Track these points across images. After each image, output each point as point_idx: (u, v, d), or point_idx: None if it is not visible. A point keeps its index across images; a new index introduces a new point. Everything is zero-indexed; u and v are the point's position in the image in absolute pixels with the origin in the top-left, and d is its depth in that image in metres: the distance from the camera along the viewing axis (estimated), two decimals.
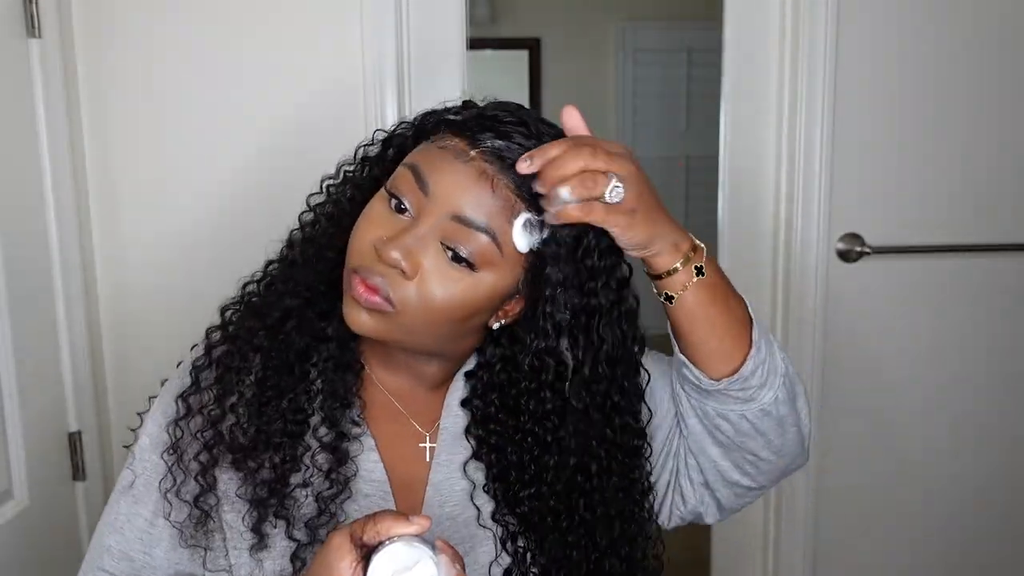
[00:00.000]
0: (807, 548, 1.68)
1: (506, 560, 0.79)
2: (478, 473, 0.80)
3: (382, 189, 0.73)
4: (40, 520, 1.33)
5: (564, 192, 0.65)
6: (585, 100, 4.47)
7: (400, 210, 0.71)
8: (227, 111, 1.48)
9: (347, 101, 1.48)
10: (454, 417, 0.82)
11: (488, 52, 4.41)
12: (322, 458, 0.76)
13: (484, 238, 0.68)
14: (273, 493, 0.75)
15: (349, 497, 0.77)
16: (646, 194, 0.68)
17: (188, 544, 0.77)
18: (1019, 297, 1.67)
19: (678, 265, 0.71)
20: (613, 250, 0.72)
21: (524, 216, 0.68)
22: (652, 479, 0.84)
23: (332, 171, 0.83)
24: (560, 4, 4.42)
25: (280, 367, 0.76)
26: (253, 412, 0.75)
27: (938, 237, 1.63)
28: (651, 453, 0.82)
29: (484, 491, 0.79)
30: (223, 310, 0.82)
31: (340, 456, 0.76)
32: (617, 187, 0.66)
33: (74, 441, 1.43)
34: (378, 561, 0.60)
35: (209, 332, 0.82)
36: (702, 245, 0.74)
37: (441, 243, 0.69)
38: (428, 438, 0.82)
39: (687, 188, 4.54)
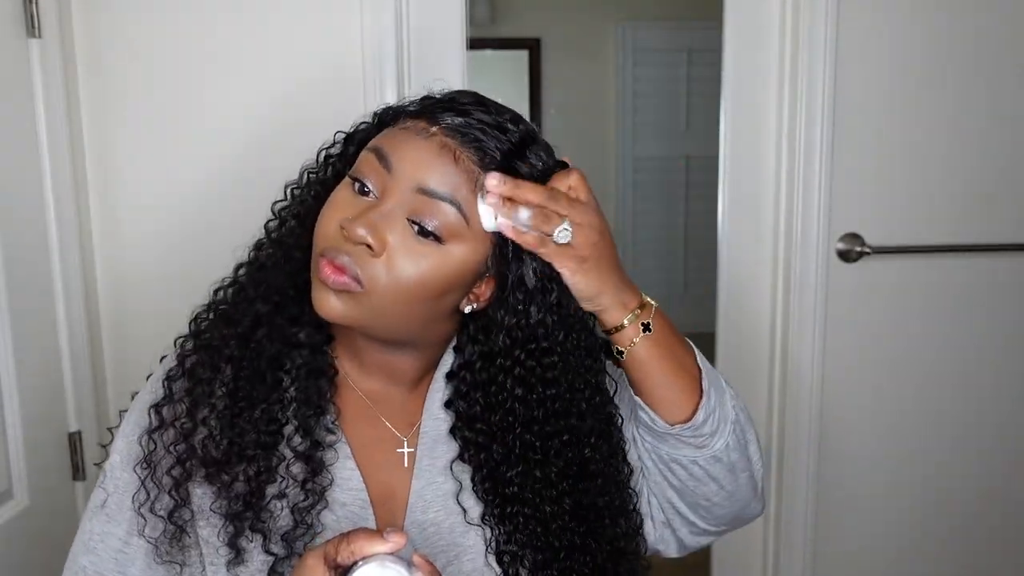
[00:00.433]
0: (807, 548, 1.68)
1: (492, 568, 0.78)
2: (464, 475, 0.79)
3: (346, 177, 0.73)
4: (40, 520, 1.33)
5: (523, 214, 0.68)
6: (585, 100, 4.48)
7: (364, 193, 0.71)
8: (227, 111, 1.48)
9: (347, 101, 1.48)
10: (434, 420, 0.80)
11: (488, 52, 4.41)
12: (297, 468, 0.75)
13: (450, 209, 0.68)
14: (248, 506, 0.73)
15: (326, 507, 0.75)
16: (601, 247, 0.72)
17: (163, 560, 0.76)
18: (1019, 297, 1.67)
19: (625, 322, 0.74)
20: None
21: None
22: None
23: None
24: (560, 4, 4.42)
25: (252, 376, 0.75)
26: (225, 424, 0.74)
27: (938, 237, 1.63)
28: (626, 454, 0.82)
29: (473, 491, 0.78)
30: (194, 319, 0.81)
31: (315, 466, 0.75)
32: (566, 230, 0.69)
33: (74, 441, 1.43)
34: None
35: (181, 341, 0.81)
36: (652, 303, 0.77)
37: (407, 219, 0.69)
38: (406, 443, 0.81)
39: (687, 188, 4.54)
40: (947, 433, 1.70)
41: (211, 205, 1.49)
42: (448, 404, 0.80)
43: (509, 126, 0.72)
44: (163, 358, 0.83)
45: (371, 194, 0.71)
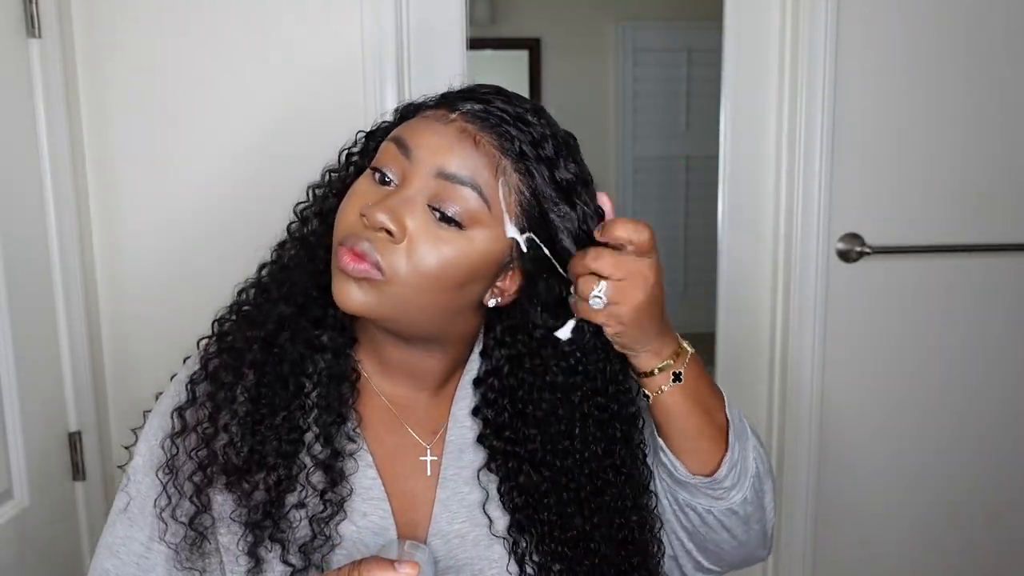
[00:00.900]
0: (807, 548, 1.68)
1: None
2: (490, 485, 0.78)
3: (366, 169, 0.72)
4: (40, 520, 1.33)
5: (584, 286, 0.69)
6: (585, 100, 4.48)
7: (384, 182, 0.70)
8: (227, 111, 1.48)
9: (347, 101, 1.48)
10: (460, 428, 0.79)
11: (488, 52, 4.41)
12: (317, 477, 0.74)
13: (471, 193, 0.67)
14: (268, 515, 0.72)
15: (345, 518, 0.74)
16: (644, 308, 0.69)
17: (184, 567, 0.75)
18: (1019, 297, 1.67)
19: (655, 369, 0.73)
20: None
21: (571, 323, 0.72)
22: None
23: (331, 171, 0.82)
24: (560, 4, 4.42)
25: (274, 382, 0.74)
26: (247, 431, 0.73)
27: (938, 237, 1.63)
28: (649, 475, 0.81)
29: (499, 502, 0.77)
30: (218, 320, 0.80)
31: (334, 476, 0.74)
32: (598, 297, 0.68)
33: (74, 441, 1.43)
34: None
35: (204, 343, 0.80)
36: (689, 350, 0.75)
37: (428, 205, 0.68)
38: (429, 451, 0.79)
39: (687, 188, 4.54)
40: (947, 432, 1.70)
41: (211, 204, 1.49)
42: (475, 412, 0.78)
43: (530, 118, 0.71)
44: (187, 359, 0.82)
45: (391, 183, 0.70)
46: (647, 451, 0.81)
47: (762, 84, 1.60)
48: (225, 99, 1.48)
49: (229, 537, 0.74)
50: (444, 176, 0.68)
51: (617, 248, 0.69)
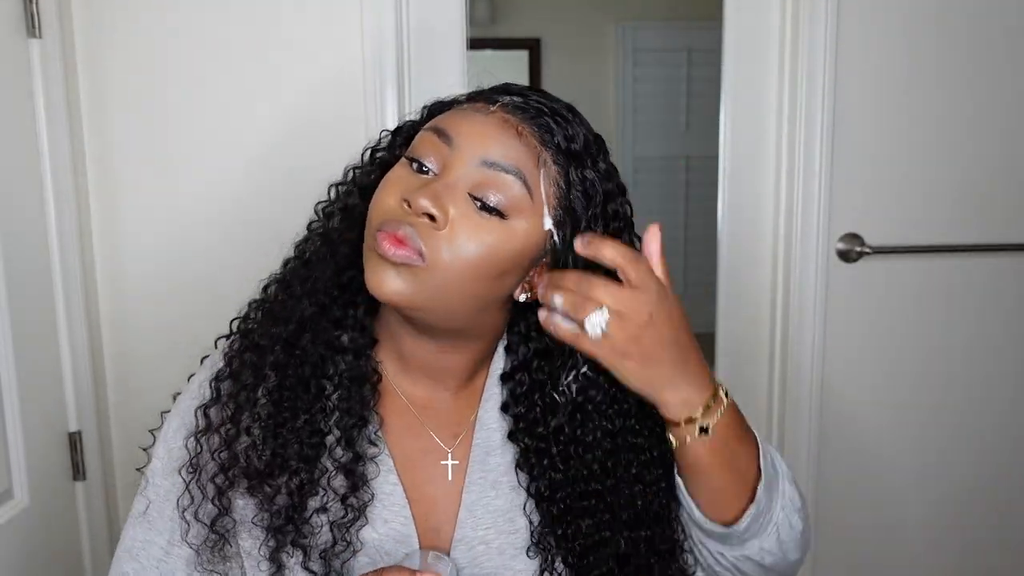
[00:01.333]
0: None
1: None
2: (516, 491, 0.76)
3: (401, 159, 0.71)
4: (40, 520, 1.33)
5: (557, 299, 0.66)
6: (585, 100, 4.42)
7: (422, 171, 0.69)
8: (227, 111, 1.48)
9: (347, 101, 1.48)
10: (486, 431, 0.78)
11: (488, 52, 4.41)
12: (338, 482, 0.73)
13: (515, 182, 0.67)
14: (289, 520, 0.71)
15: (366, 524, 0.73)
16: (649, 340, 0.65)
17: (205, 569, 0.74)
18: (1019, 297, 1.67)
19: (681, 421, 0.68)
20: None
21: None
22: None
23: (333, 173, 0.82)
24: (560, 4, 4.42)
25: (295, 384, 0.73)
26: (268, 434, 0.72)
27: (938, 237, 1.63)
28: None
29: (524, 506, 0.75)
30: (241, 318, 0.79)
31: (355, 480, 0.73)
32: (598, 325, 0.64)
33: (74, 441, 1.43)
34: None
35: (228, 341, 0.78)
36: (723, 398, 0.70)
37: (469, 194, 0.67)
38: (450, 455, 0.78)
39: (687, 188, 4.54)
40: (947, 432, 1.70)
41: (211, 204, 1.49)
42: (505, 408, 0.77)
43: (566, 113, 0.71)
44: (205, 358, 0.81)
45: (430, 172, 0.69)
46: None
47: (762, 84, 1.60)
48: (225, 99, 1.48)
49: (251, 542, 0.73)
50: (488, 164, 0.67)
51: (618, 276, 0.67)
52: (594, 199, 0.70)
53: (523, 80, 4.38)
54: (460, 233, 0.66)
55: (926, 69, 1.58)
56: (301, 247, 0.79)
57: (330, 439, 0.74)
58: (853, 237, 1.60)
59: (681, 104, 4.51)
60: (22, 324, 1.28)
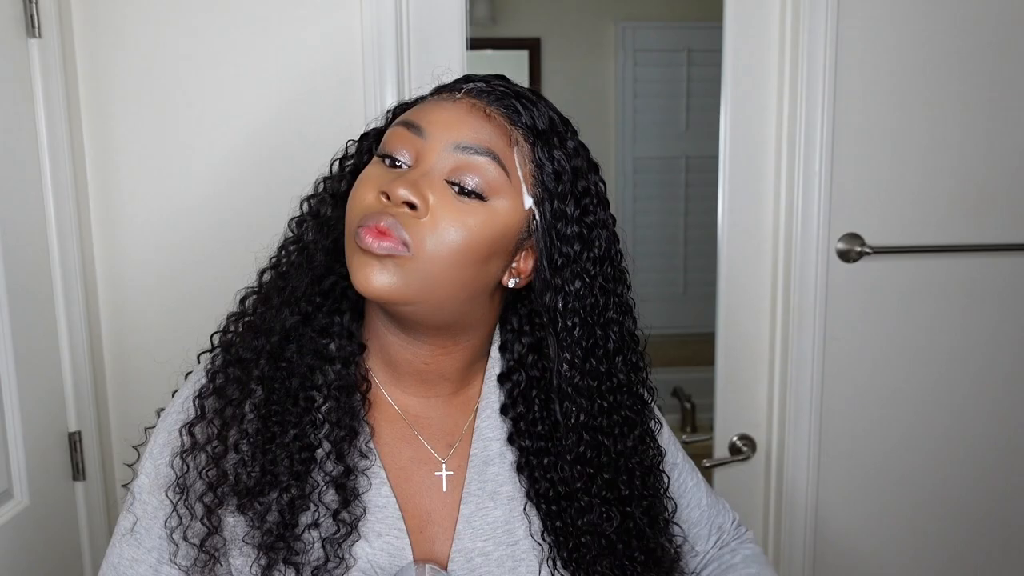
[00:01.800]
0: (807, 548, 1.68)
1: None
2: (514, 502, 0.75)
3: (374, 158, 0.71)
4: (40, 520, 1.33)
5: None
6: (585, 100, 4.47)
7: (396, 166, 0.69)
8: (228, 112, 1.48)
9: (347, 102, 1.48)
10: (484, 440, 0.76)
11: (488, 52, 4.41)
12: (330, 496, 0.71)
13: (489, 163, 0.67)
14: (281, 538, 0.70)
15: (359, 539, 0.72)
16: None
17: None
18: (1019, 297, 1.67)
19: None
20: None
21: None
22: None
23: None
24: (560, 4, 4.42)
25: (283, 398, 0.72)
26: (257, 449, 0.71)
27: (938, 237, 1.63)
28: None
29: (530, 499, 0.74)
30: (220, 332, 0.77)
31: (347, 495, 0.71)
32: None
33: (74, 441, 1.43)
34: None
35: (210, 356, 0.77)
36: None
37: (446, 180, 0.67)
38: (444, 465, 0.76)
39: (687, 188, 4.54)
40: (948, 432, 1.70)
41: (211, 205, 1.49)
42: (504, 411, 0.76)
43: (531, 96, 0.72)
44: (188, 374, 0.79)
45: (403, 166, 0.69)
46: (665, 480, 0.80)
47: (762, 84, 1.60)
48: (226, 100, 1.48)
49: (242, 560, 0.72)
50: (461, 148, 0.67)
51: None
52: (563, 176, 0.70)
53: (523, 80, 4.38)
54: (442, 219, 0.66)
55: (926, 69, 1.58)
56: (275, 259, 0.78)
57: (320, 452, 0.72)
58: (853, 237, 1.60)
59: (681, 104, 4.50)
60: (22, 324, 1.28)
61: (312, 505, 0.71)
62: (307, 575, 0.70)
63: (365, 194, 0.68)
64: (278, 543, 0.70)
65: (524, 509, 0.76)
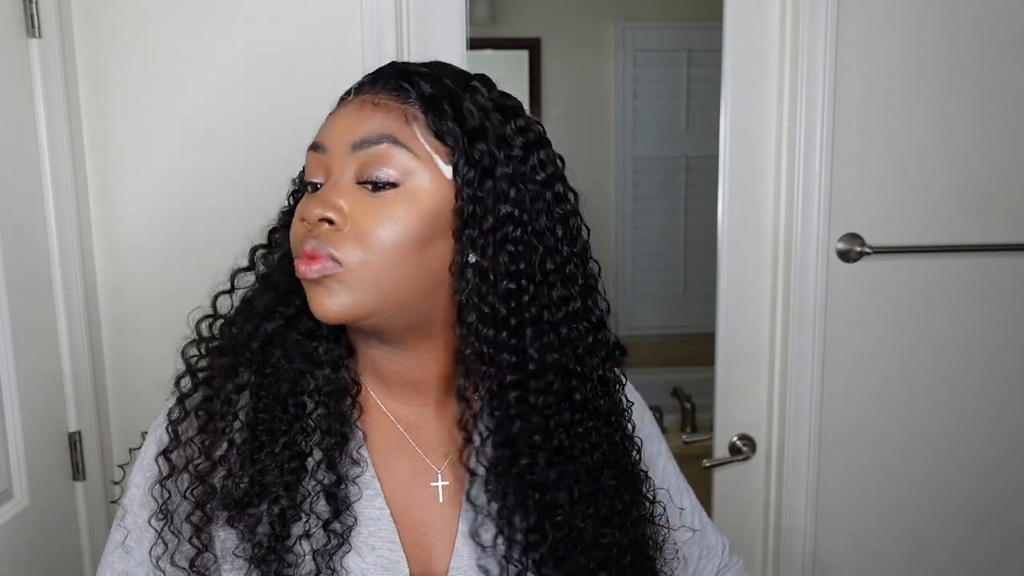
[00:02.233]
0: (807, 548, 1.68)
1: None
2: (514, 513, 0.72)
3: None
4: (40, 520, 1.33)
5: None
6: (585, 100, 4.47)
7: (316, 188, 0.69)
8: (228, 112, 1.48)
9: None
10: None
11: (488, 52, 4.41)
12: (321, 506, 0.70)
13: (388, 147, 0.65)
14: (272, 550, 0.68)
15: (350, 551, 0.70)
16: None
17: None
18: (1019, 297, 1.67)
19: None
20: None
21: None
22: None
23: None
24: (560, 4, 4.41)
25: (272, 404, 0.70)
26: (246, 460, 0.69)
27: (938, 237, 1.63)
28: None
29: (491, 517, 0.72)
30: (197, 341, 0.76)
31: (338, 505, 0.70)
32: None
33: (74, 441, 1.43)
34: None
35: (179, 379, 0.75)
36: None
37: (357, 183, 0.66)
38: (440, 475, 0.74)
39: (687, 188, 4.54)
40: (948, 432, 1.70)
41: (212, 204, 1.49)
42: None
43: (424, 68, 0.70)
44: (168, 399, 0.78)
45: (321, 186, 0.69)
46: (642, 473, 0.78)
47: (762, 84, 1.60)
48: (226, 99, 1.48)
49: (234, 574, 0.70)
50: (356, 146, 0.66)
51: None
52: (484, 125, 0.68)
53: (523, 80, 4.39)
54: (363, 222, 0.65)
55: (926, 69, 1.58)
56: (249, 263, 0.79)
57: (311, 461, 0.71)
58: (853, 237, 1.60)
59: (681, 104, 4.50)
60: (22, 324, 1.28)
61: (303, 515, 0.70)
62: None
63: (294, 227, 0.69)
64: (269, 555, 0.68)
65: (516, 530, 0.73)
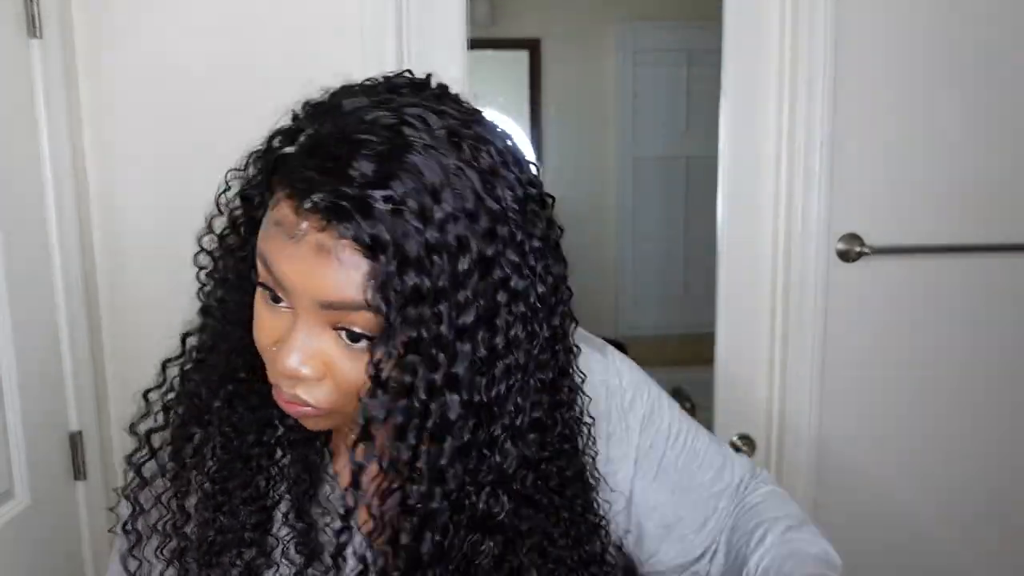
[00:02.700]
0: None
1: None
2: None
3: (258, 285, 0.65)
4: (41, 520, 1.33)
5: None
6: (585, 100, 4.47)
7: (276, 300, 0.63)
8: (228, 112, 1.48)
9: None
10: None
11: (488, 52, 4.41)
12: (292, 554, 0.70)
13: (365, 314, 0.58)
14: None
15: None
16: None
17: None
18: (1019, 297, 1.67)
19: None
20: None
21: None
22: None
23: None
24: (560, 4, 4.41)
25: (232, 460, 0.70)
26: (210, 513, 0.69)
27: (938, 237, 1.63)
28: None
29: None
30: (165, 393, 0.75)
31: (312, 551, 0.69)
32: None
33: (75, 441, 1.43)
34: None
35: (132, 457, 0.75)
36: None
37: (332, 328, 0.61)
38: None
39: (687, 188, 4.54)
40: (947, 433, 1.70)
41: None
42: None
43: (360, 167, 0.57)
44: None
45: (283, 302, 0.63)
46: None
47: (762, 84, 1.60)
48: (227, 99, 1.48)
49: None
50: (328, 306, 0.59)
51: None
52: (460, 255, 0.58)
53: (523, 80, 4.39)
54: (342, 373, 0.61)
55: (926, 69, 1.58)
56: (201, 322, 0.77)
57: (279, 512, 0.71)
58: (853, 237, 1.60)
59: (681, 104, 4.50)
60: (23, 324, 1.28)
61: (275, 564, 0.70)
62: None
63: (264, 343, 0.64)
64: None
65: None
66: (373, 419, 0.60)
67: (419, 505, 0.61)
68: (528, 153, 0.67)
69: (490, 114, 0.72)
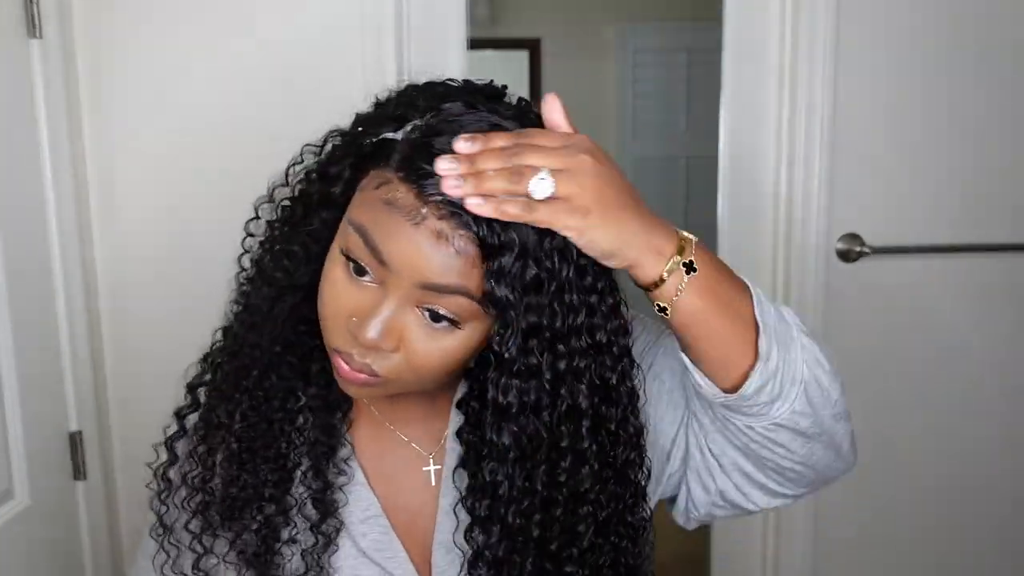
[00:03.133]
0: (807, 543, 1.68)
1: None
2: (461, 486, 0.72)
3: (336, 249, 0.65)
4: (41, 520, 1.33)
5: (490, 183, 0.57)
6: (585, 100, 4.47)
7: (360, 272, 0.64)
8: (228, 112, 1.48)
9: (347, 104, 1.47)
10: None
11: (488, 52, 4.41)
12: (308, 510, 0.74)
13: (460, 299, 0.61)
14: (258, 555, 0.73)
15: (337, 551, 0.74)
16: (602, 189, 0.58)
17: None
18: (1019, 297, 1.67)
19: (664, 273, 0.61)
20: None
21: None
22: (654, 489, 0.77)
23: None
24: (560, 4, 4.42)
25: (259, 422, 0.73)
26: (235, 471, 0.73)
27: (938, 237, 1.63)
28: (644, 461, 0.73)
29: (464, 504, 0.71)
30: (200, 375, 0.77)
31: (325, 508, 0.73)
32: (543, 179, 0.56)
33: (75, 441, 1.43)
34: None
35: (170, 434, 0.78)
36: (692, 238, 0.63)
37: (417, 307, 0.62)
38: (432, 459, 0.77)
39: (687, 188, 4.54)
40: (947, 432, 1.70)
41: (212, 204, 1.49)
42: (459, 405, 0.74)
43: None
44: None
45: (368, 275, 0.63)
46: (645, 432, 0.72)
47: (762, 84, 1.60)
48: (226, 99, 1.48)
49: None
50: (428, 287, 0.61)
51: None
52: (550, 281, 0.62)
53: (523, 81, 4.39)
54: (417, 350, 0.63)
55: (926, 69, 1.58)
56: (245, 289, 0.78)
57: (298, 472, 0.75)
58: (853, 237, 1.60)
59: (681, 104, 4.51)
60: (23, 324, 1.28)
61: (292, 521, 0.73)
62: None
63: (335, 312, 0.65)
64: (258, 559, 0.73)
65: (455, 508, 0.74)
66: (504, 394, 0.64)
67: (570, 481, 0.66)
68: None
69: None
